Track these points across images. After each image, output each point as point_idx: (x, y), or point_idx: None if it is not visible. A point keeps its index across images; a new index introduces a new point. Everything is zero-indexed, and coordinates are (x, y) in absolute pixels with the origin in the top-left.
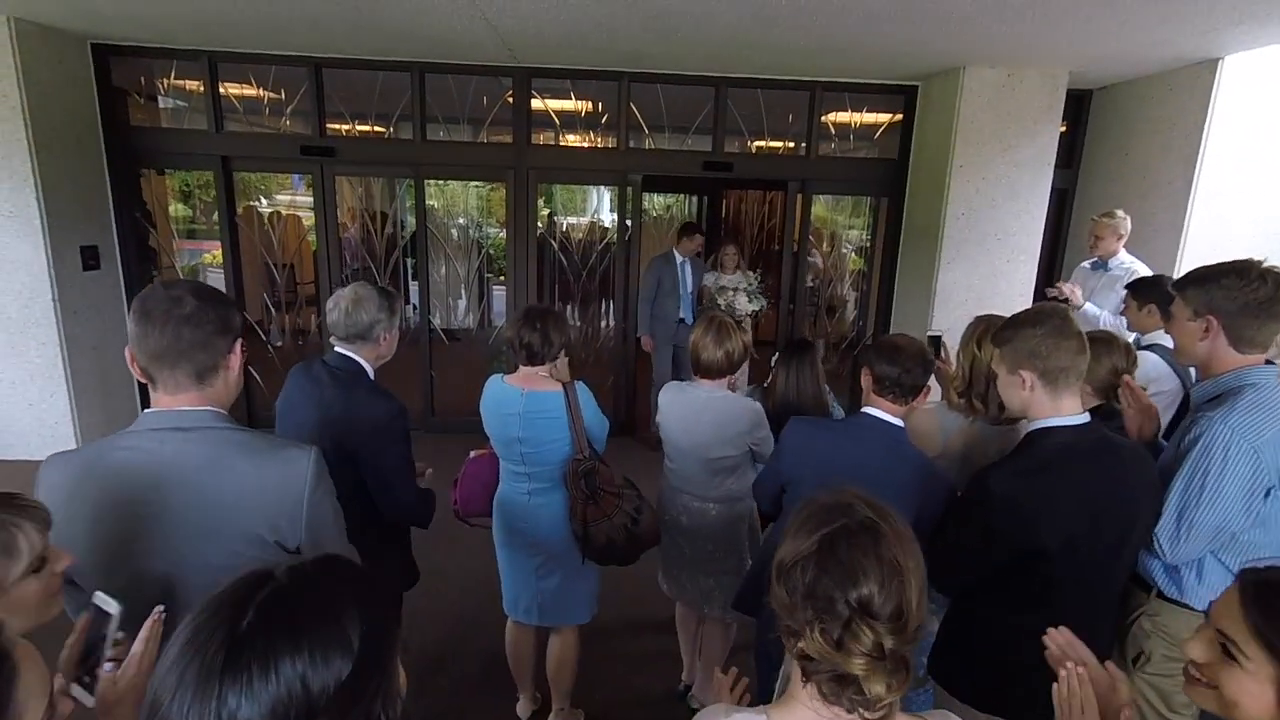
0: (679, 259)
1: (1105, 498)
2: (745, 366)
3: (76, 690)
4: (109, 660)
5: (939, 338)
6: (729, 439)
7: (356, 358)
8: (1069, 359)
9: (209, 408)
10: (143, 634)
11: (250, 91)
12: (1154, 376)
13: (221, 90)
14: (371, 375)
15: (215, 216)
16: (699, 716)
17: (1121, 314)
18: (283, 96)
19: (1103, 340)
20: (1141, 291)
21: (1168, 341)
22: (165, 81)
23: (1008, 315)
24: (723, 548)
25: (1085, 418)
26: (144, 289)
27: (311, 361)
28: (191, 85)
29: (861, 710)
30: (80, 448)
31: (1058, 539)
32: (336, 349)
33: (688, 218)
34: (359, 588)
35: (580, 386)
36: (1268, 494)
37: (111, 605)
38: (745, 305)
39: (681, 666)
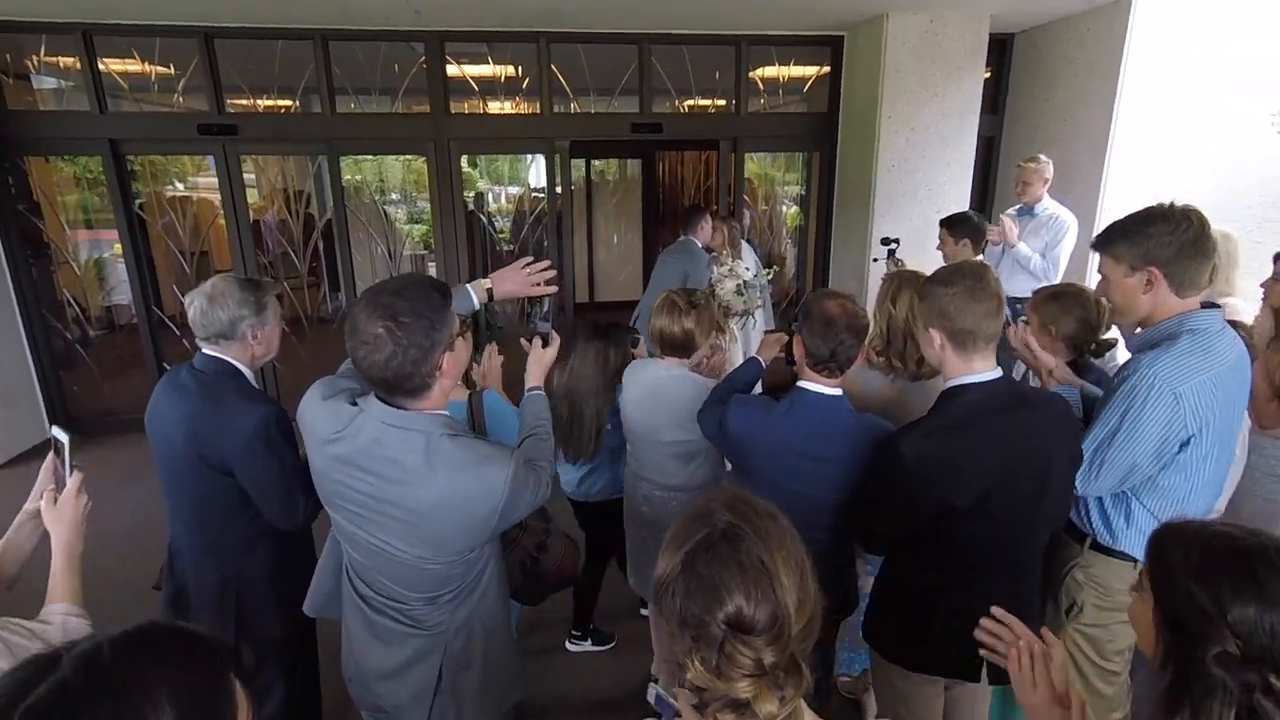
0: (699, 247)
1: (1018, 451)
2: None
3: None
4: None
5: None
6: (682, 422)
7: (226, 358)
8: (975, 321)
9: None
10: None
11: (135, 67)
12: None
13: (102, 67)
14: (250, 377)
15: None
16: None
17: (938, 248)
18: (173, 71)
19: (1071, 293)
20: (956, 226)
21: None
22: (35, 59)
23: (926, 271)
24: None
25: (997, 373)
26: None
27: (180, 368)
28: (66, 62)
29: None
30: None
31: (970, 496)
32: (203, 350)
33: (626, 183)
34: (172, 666)
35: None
36: (1185, 444)
37: (63, 435)
38: (735, 302)
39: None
